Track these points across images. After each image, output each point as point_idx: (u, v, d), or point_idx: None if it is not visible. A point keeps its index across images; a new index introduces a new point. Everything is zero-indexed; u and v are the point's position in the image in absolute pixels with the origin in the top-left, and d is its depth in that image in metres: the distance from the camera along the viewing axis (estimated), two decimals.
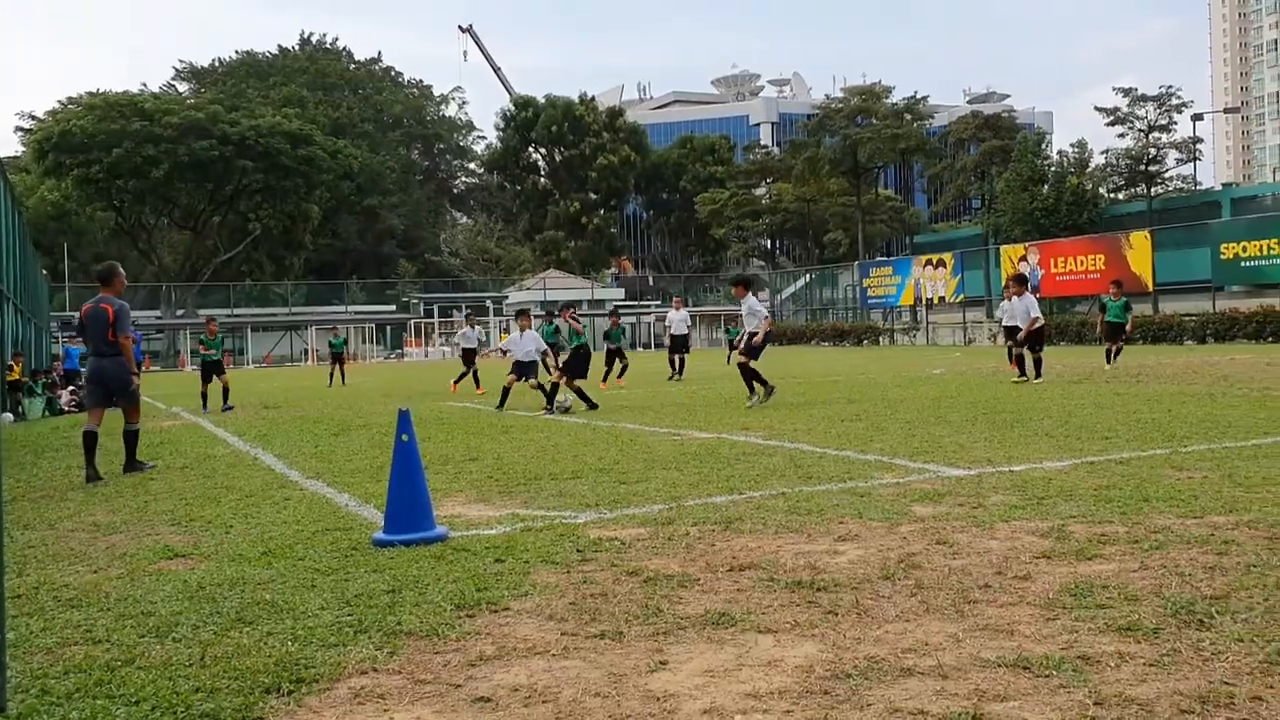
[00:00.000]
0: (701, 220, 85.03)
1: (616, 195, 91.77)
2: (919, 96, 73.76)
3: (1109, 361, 20.26)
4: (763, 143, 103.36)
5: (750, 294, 15.03)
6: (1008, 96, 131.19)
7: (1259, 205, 60.32)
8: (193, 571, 5.30)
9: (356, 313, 70.84)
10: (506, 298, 74.69)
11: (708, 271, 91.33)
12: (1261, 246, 38.04)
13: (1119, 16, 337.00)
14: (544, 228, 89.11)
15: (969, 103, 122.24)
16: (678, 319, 24.24)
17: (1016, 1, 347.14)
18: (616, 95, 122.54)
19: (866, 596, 4.34)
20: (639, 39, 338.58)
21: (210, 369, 19.16)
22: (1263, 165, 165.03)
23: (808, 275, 70.38)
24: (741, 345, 15.07)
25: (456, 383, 21.85)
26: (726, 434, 10.80)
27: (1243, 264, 38.84)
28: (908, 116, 72.70)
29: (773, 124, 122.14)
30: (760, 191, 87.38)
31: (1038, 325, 17.45)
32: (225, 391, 19.03)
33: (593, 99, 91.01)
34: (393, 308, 75.89)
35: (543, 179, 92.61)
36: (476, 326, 25.28)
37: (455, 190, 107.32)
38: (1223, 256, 39.10)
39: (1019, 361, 17.79)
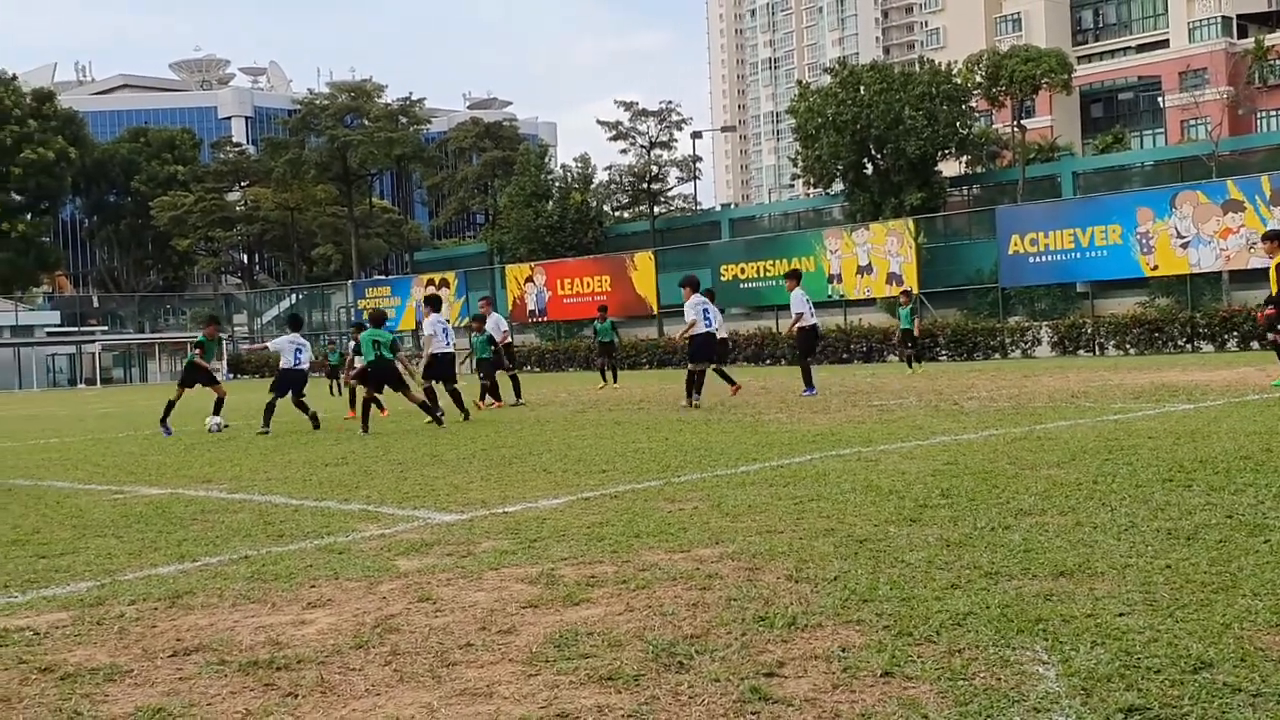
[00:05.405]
0: (161, 229, 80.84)
1: (50, 197, 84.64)
2: (415, 98, 75.21)
3: (911, 366, 26.25)
4: (235, 140, 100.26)
5: (697, 294, 17.57)
6: (510, 104, 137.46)
7: (755, 226, 67.95)
8: None
9: None
10: None
11: (170, 291, 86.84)
12: (758, 268, 42.85)
13: (622, 25, 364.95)
14: None
15: (469, 108, 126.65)
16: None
17: (511, 3, 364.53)
18: (48, 75, 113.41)
19: (334, 671, 4.31)
20: (76, 7, 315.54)
21: None
22: (760, 185, 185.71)
23: (294, 295, 69.08)
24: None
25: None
26: (183, 489, 10.29)
27: (741, 286, 43.54)
28: (403, 119, 73.90)
29: (247, 119, 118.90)
30: (234, 196, 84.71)
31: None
32: None
33: (14, 78, 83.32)
34: None
35: None
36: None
37: None
38: (722, 278, 43.50)
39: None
